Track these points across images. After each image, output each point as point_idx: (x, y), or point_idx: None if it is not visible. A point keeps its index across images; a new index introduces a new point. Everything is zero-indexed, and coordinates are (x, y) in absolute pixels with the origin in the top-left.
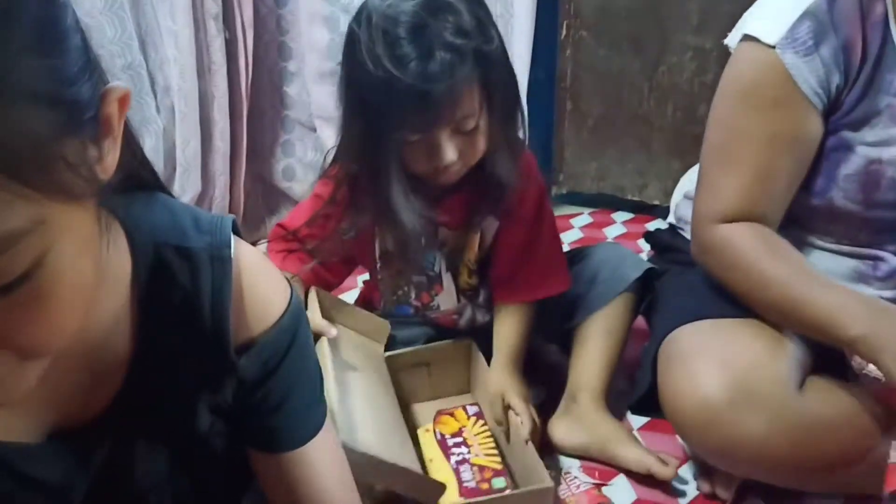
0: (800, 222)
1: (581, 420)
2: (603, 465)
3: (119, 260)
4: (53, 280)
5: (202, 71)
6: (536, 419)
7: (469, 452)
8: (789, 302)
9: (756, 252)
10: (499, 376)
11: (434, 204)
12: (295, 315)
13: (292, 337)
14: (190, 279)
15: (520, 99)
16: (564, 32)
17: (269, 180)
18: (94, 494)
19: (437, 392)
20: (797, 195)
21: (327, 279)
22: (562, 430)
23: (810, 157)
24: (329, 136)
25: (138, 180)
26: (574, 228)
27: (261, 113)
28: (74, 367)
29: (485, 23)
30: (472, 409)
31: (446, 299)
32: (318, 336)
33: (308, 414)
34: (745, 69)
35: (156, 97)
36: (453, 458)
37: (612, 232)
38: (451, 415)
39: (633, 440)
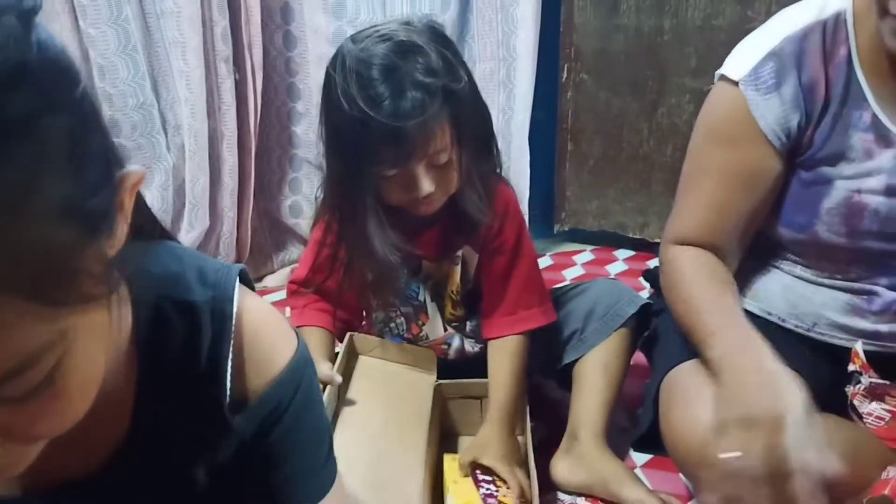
0: (794, 257)
1: (583, 458)
2: (605, 503)
3: (120, 311)
4: (70, 376)
5: (212, 110)
6: (523, 480)
7: (497, 491)
8: (685, 316)
9: (691, 276)
10: (487, 435)
11: (413, 237)
12: (297, 371)
13: (294, 391)
14: (189, 334)
15: (492, 134)
16: (565, 75)
17: (276, 217)
18: None
19: None
20: (783, 231)
21: (347, 319)
22: (564, 468)
23: (768, 194)
24: None
25: (142, 231)
26: (576, 265)
27: (269, 151)
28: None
29: (452, 63)
30: None
31: (433, 329)
32: (325, 385)
33: (313, 476)
34: (713, 103)
35: (166, 135)
36: (482, 489)
37: (614, 269)
38: None
39: (635, 479)
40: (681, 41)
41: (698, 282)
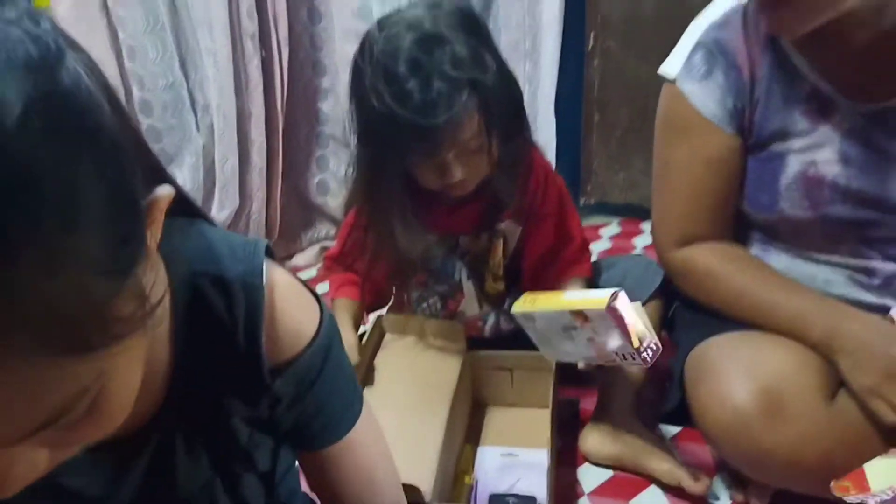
0: (789, 238)
1: (613, 431)
2: (636, 475)
3: (159, 289)
4: (110, 401)
5: (240, 89)
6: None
7: None
8: (760, 310)
9: (717, 268)
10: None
11: (450, 214)
12: (327, 335)
13: (325, 356)
14: (225, 308)
15: (522, 108)
16: (592, 43)
17: (304, 194)
18: None
19: (518, 400)
20: (752, 212)
21: (377, 296)
22: (594, 440)
23: (733, 175)
24: None
25: (175, 209)
26: (602, 238)
27: (296, 129)
28: None
29: (479, 52)
30: None
31: (469, 306)
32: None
33: (345, 413)
34: (662, 105)
35: (196, 115)
36: None
37: (640, 242)
38: None
39: (664, 451)
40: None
41: (738, 273)
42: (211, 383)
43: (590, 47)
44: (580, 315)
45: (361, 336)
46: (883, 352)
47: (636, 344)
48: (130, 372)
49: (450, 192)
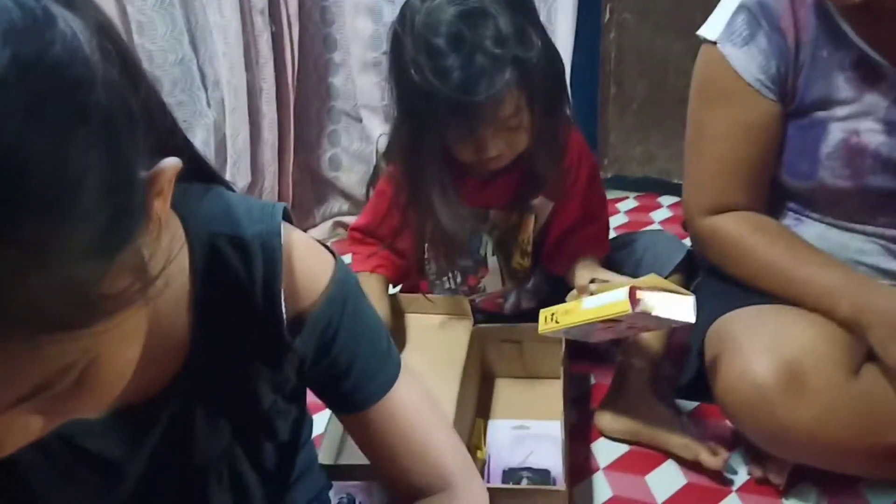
0: (825, 207)
1: (630, 406)
2: (652, 450)
3: (160, 259)
4: (99, 377)
5: (250, 64)
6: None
7: None
8: (788, 283)
9: (747, 239)
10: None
11: (484, 186)
12: (341, 285)
13: (342, 305)
14: (243, 266)
15: (564, 86)
16: (608, 15)
17: (315, 170)
18: (152, 471)
19: (529, 371)
20: (790, 181)
21: (405, 268)
22: (610, 416)
23: (772, 142)
24: (374, 126)
25: (193, 174)
26: (620, 213)
27: (307, 104)
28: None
29: (524, 28)
30: None
31: (492, 282)
32: None
33: (380, 370)
34: (700, 67)
35: (206, 91)
36: None
37: (658, 216)
38: None
39: (681, 426)
40: None
41: (768, 245)
42: (232, 346)
43: (606, 19)
44: (611, 320)
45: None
46: None
47: (672, 315)
48: (124, 345)
49: (485, 166)
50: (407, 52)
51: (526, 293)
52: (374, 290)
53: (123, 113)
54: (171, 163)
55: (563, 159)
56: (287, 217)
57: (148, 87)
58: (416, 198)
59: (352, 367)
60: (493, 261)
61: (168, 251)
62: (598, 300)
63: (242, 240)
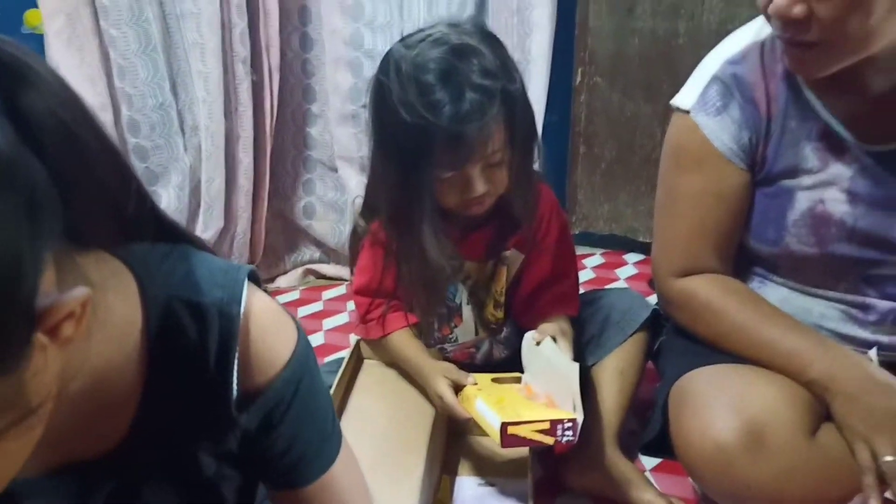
0: (790, 272)
1: (595, 460)
2: None
3: (127, 309)
4: None
5: (229, 112)
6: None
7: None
8: (757, 344)
9: (716, 302)
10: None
11: (460, 239)
12: (299, 365)
13: (296, 386)
14: (198, 334)
15: (536, 134)
16: (579, 78)
17: (289, 217)
18: None
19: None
20: (757, 247)
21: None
22: (575, 470)
23: (741, 208)
24: (350, 176)
25: (156, 233)
26: (587, 269)
27: (284, 153)
28: (82, 407)
29: (508, 64)
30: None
31: (464, 332)
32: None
33: (320, 451)
34: (672, 135)
35: (184, 136)
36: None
37: (623, 273)
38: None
39: (646, 482)
40: (696, 45)
41: (738, 308)
42: (179, 413)
43: (577, 82)
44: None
45: None
46: (881, 404)
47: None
48: (7, 461)
49: (467, 208)
50: (394, 95)
51: (498, 344)
52: (413, 346)
53: (13, 263)
54: (78, 294)
55: (537, 205)
56: (255, 278)
57: (114, 165)
58: (406, 241)
59: (293, 447)
60: (467, 310)
61: (83, 356)
62: (485, 410)
63: (200, 306)
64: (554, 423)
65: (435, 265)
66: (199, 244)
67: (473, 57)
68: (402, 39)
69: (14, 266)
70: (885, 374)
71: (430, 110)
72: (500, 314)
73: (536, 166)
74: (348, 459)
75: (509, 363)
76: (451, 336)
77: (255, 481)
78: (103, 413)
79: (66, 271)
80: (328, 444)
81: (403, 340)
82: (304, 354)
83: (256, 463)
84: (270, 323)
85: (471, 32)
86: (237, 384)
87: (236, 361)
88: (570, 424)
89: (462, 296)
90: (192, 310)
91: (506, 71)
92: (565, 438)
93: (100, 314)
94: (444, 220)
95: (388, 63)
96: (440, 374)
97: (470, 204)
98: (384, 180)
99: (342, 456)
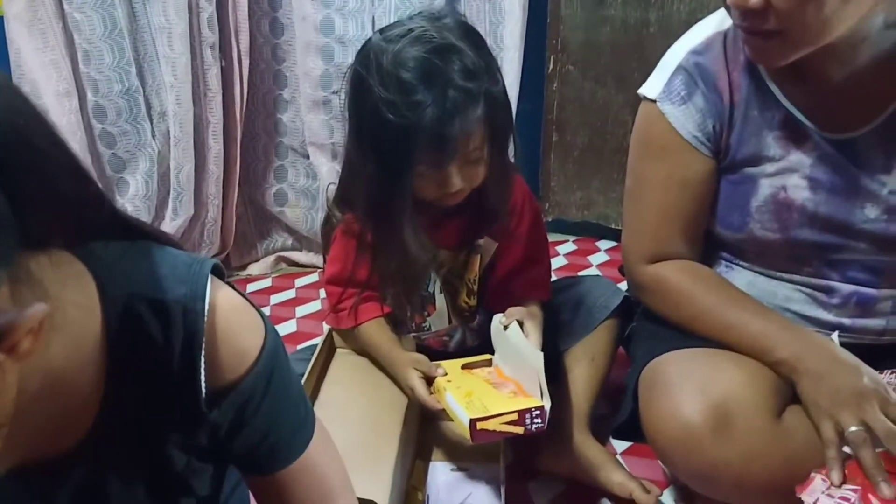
0: (755, 257)
1: (567, 445)
2: (586, 487)
3: (85, 310)
4: None
5: (198, 97)
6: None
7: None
8: (725, 328)
9: (685, 287)
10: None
11: (434, 228)
12: (269, 359)
13: (267, 380)
14: (161, 332)
15: (513, 127)
16: (551, 66)
17: (260, 204)
18: None
19: None
20: (722, 232)
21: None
22: (547, 454)
23: (707, 195)
24: (321, 163)
25: (115, 233)
26: (559, 255)
27: (255, 139)
28: (42, 406)
29: (490, 63)
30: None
31: (438, 321)
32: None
33: (294, 437)
34: (640, 123)
35: (151, 122)
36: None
37: (595, 259)
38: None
39: (616, 465)
40: (666, 34)
41: (706, 292)
42: (144, 410)
43: (549, 70)
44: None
45: None
46: (847, 382)
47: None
48: None
49: (443, 200)
50: (375, 92)
51: (471, 332)
52: (385, 338)
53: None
54: (36, 311)
55: (511, 197)
56: (219, 272)
57: (70, 170)
58: (382, 235)
59: (267, 437)
60: (440, 299)
61: (45, 365)
62: (454, 405)
63: (162, 303)
64: (522, 413)
65: (414, 261)
66: (163, 239)
67: (456, 57)
68: (382, 31)
69: None
70: (849, 355)
71: (412, 111)
72: (472, 301)
73: (511, 158)
74: (323, 439)
75: (482, 351)
76: (424, 325)
77: (224, 469)
78: (63, 413)
79: (21, 283)
80: (302, 429)
81: (375, 331)
82: (273, 348)
83: (231, 454)
84: (237, 318)
85: (452, 28)
86: (205, 381)
87: (203, 359)
88: (538, 412)
89: (435, 284)
90: (154, 307)
91: (489, 71)
92: (534, 426)
93: (56, 319)
94: (417, 208)
95: (368, 56)
96: (410, 367)
97: (446, 197)
98: (361, 174)
99: (316, 437)
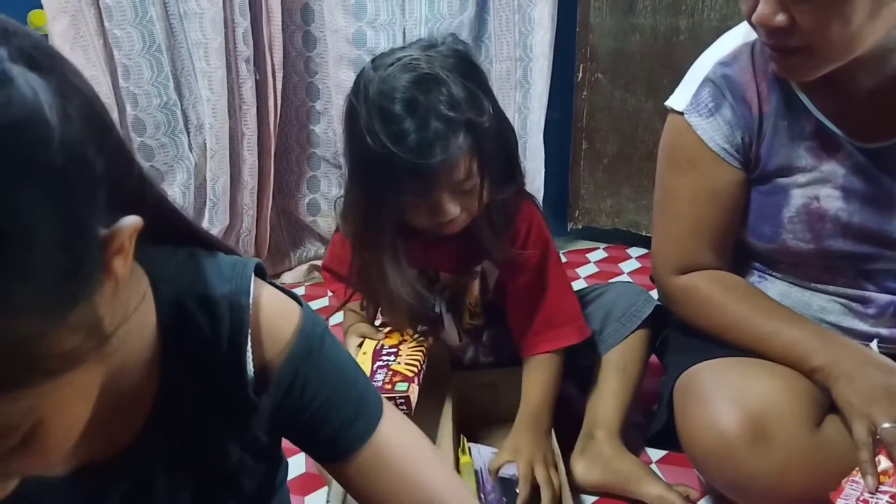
0: (788, 267)
1: (600, 457)
2: (624, 501)
3: (145, 309)
4: (48, 434)
5: (233, 110)
6: (556, 481)
7: (394, 361)
8: (756, 338)
9: (716, 297)
10: (519, 438)
11: (432, 251)
12: (306, 337)
13: (308, 357)
14: (210, 327)
15: (516, 157)
16: (581, 74)
17: (294, 214)
18: None
19: (507, 415)
20: (754, 243)
21: None
22: (581, 467)
23: (737, 206)
24: None
25: (165, 232)
26: (590, 263)
27: (288, 150)
28: (98, 407)
29: (476, 93)
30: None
31: (449, 338)
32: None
33: (358, 416)
34: (667, 135)
35: (188, 135)
36: (377, 364)
37: (627, 267)
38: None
39: (653, 476)
40: (696, 41)
41: (738, 302)
42: (197, 404)
43: (579, 78)
44: None
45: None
46: (881, 380)
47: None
48: (73, 405)
49: (440, 229)
50: (362, 119)
51: (483, 348)
52: (353, 317)
53: (81, 173)
54: (131, 221)
55: (506, 231)
56: (260, 272)
57: (118, 148)
58: (368, 262)
59: (327, 417)
60: (447, 318)
61: (126, 310)
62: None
63: (210, 300)
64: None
65: (394, 296)
66: (213, 243)
67: (440, 87)
68: (374, 60)
69: (87, 175)
70: (884, 358)
71: (394, 140)
72: (476, 322)
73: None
74: (397, 422)
75: (495, 366)
76: (440, 340)
77: (276, 472)
78: (118, 413)
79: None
80: (364, 409)
81: (350, 314)
82: (310, 326)
83: (297, 441)
84: (274, 306)
85: (444, 57)
86: (252, 370)
87: (249, 349)
88: (402, 400)
89: (441, 305)
90: (202, 304)
91: (474, 101)
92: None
93: (120, 307)
94: (414, 232)
95: (359, 85)
96: (355, 334)
97: (442, 226)
98: (352, 199)
99: (387, 419)
